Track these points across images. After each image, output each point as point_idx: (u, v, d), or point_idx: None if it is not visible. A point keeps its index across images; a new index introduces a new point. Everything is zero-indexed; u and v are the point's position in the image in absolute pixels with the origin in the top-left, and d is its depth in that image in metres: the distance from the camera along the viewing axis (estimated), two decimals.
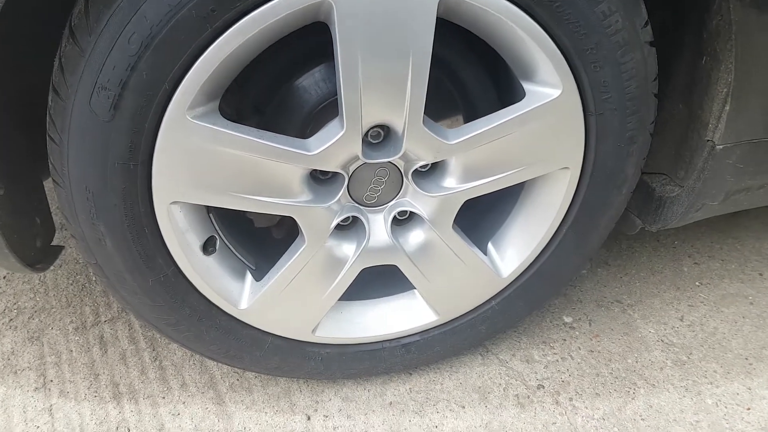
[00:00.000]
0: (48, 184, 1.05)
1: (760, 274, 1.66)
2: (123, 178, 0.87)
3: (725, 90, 0.98)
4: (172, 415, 1.27)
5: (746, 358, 1.41)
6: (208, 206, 1.02)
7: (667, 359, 1.40)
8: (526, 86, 0.97)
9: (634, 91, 0.96)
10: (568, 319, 1.51)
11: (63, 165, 0.87)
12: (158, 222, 0.94)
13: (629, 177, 1.09)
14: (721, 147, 1.04)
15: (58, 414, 1.26)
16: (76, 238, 0.97)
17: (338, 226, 1.05)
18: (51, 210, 1.10)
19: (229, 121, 0.89)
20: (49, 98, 0.85)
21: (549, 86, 0.95)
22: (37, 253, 1.06)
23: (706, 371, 1.37)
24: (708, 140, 1.05)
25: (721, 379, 1.36)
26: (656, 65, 0.97)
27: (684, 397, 1.31)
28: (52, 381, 1.33)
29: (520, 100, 0.97)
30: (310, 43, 0.99)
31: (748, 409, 1.29)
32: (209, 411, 1.27)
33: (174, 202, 0.93)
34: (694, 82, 1.04)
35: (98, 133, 0.83)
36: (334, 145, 0.92)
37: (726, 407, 1.29)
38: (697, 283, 1.63)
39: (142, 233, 0.94)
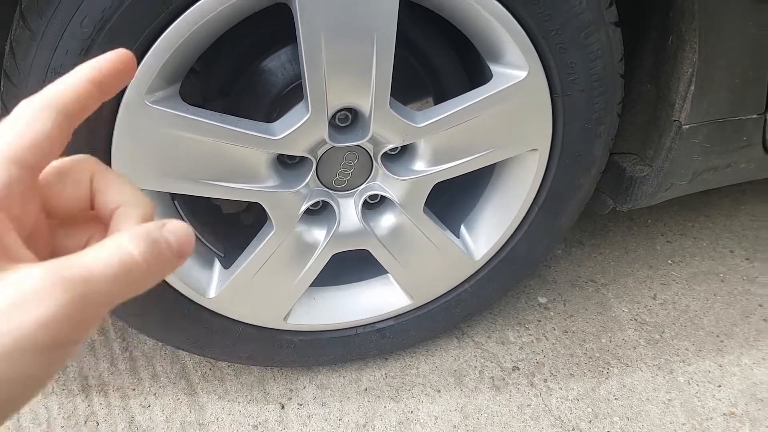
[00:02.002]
0: None
1: (731, 252, 1.68)
2: None
3: (690, 70, 0.99)
4: (143, 407, 1.25)
5: (717, 336, 1.43)
6: (172, 193, 1.00)
7: (640, 338, 1.42)
8: (493, 68, 0.96)
9: (600, 72, 0.96)
10: (542, 300, 1.52)
11: None
12: None
13: (598, 158, 1.09)
14: (687, 127, 1.05)
15: (24, 408, 1.24)
16: None
17: (308, 211, 1.04)
18: None
19: (190, 106, 0.86)
20: (1, 84, 0.82)
21: (515, 68, 0.94)
22: None
23: (678, 349, 1.39)
24: (675, 120, 1.05)
25: (693, 357, 1.37)
26: (622, 45, 0.96)
27: (656, 375, 1.33)
28: None
29: (488, 82, 0.97)
30: (275, 24, 0.97)
31: (719, 386, 1.31)
32: (181, 402, 1.26)
33: None
34: (661, 62, 1.04)
35: None
36: (300, 129, 0.90)
37: (698, 385, 1.31)
38: (669, 262, 1.65)
39: None
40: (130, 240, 0.29)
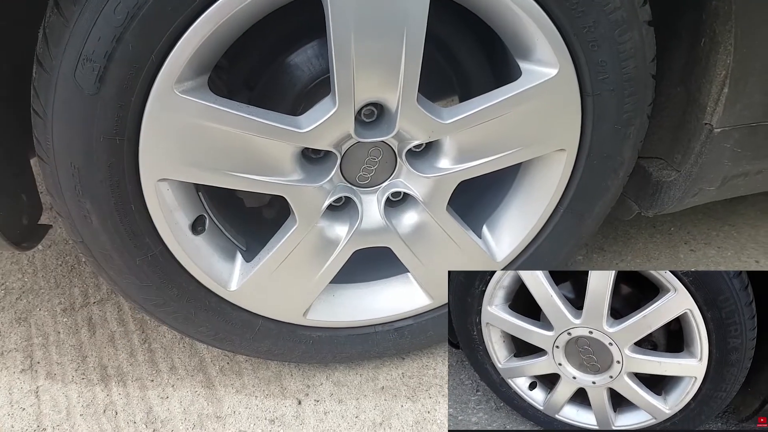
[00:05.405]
0: (36, 162, 1.03)
1: (757, 261, 1.65)
2: (109, 154, 0.85)
3: (724, 72, 0.97)
4: (161, 398, 1.25)
5: None
6: (197, 184, 1.00)
7: None
8: (523, 65, 0.96)
9: (631, 72, 0.95)
10: None
11: (48, 139, 0.85)
12: (146, 199, 0.92)
13: (626, 160, 1.07)
14: (719, 130, 1.03)
15: (45, 396, 1.25)
16: (61, 215, 0.95)
17: (330, 207, 1.04)
18: (38, 189, 1.08)
19: (218, 97, 0.87)
20: (34, 70, 0.83)
21: (545, 65, 0.93)
22: (24, 231, 1.04)
23: None
24: (706, 123, 1.03)
25: None
26: (655, 45, 0.95)
27: None
28: (39, 363, 1.32)
29: (516, 79, 0.96)
30: (303, 18, 0.97)
31: None
32: (198, 394, 1.26)
33: (162, 179, 0.91)
34: (692, 65, 1.02)
35: (83, 107, 0.81)
36: (326, 122, 0.90)
37: None
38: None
39: (129, 211, 0.92)
40: None
